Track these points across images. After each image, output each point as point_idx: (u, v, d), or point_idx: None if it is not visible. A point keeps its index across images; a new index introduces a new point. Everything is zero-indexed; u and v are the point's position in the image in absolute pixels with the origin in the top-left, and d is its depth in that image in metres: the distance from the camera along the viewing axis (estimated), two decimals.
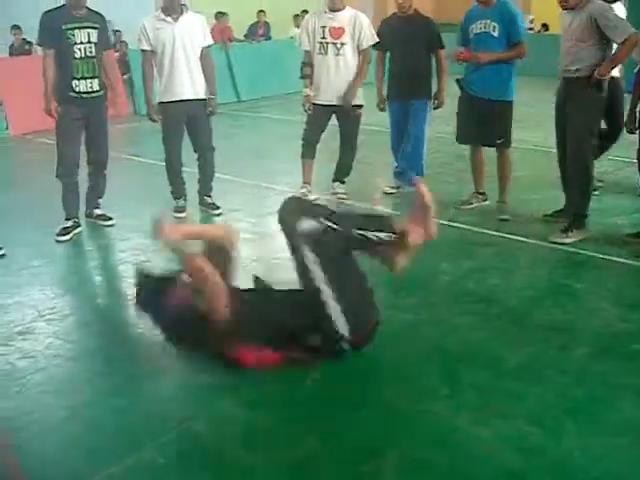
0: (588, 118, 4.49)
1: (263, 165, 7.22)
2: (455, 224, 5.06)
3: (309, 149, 5.67)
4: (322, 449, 2.55)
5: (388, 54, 5.74)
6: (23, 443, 2.65)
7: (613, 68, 4.54)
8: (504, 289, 3.97)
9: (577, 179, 4.60)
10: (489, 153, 5.29)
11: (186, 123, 5.28)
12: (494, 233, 4.86)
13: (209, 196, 5.59)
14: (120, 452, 2.56)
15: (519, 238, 4.72)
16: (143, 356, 3.36)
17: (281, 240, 4.75)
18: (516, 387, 2.92)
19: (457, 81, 5.20)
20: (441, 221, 5.11)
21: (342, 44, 5.37)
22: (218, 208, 5.52)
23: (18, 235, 5.11)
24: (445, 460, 2.46)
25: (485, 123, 5.06)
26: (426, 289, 3.98)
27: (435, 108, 5.67)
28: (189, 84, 5.15)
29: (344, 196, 5.76)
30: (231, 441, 2.61)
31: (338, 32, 5.35)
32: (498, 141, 5.10)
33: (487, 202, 5.41)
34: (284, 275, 4.15)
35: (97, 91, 4.96)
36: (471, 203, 5.44)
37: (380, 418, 2.74)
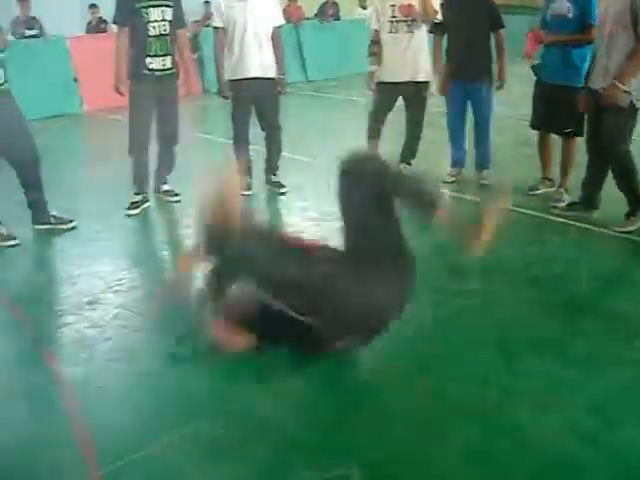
0: (621, 120, 4.29)
1: (329, 145, 7.20)
2: (521, 210, 4.96)
3: (375, 130, 5.63)
4: (387, 432, 2.56)
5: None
6: (90, 408, 2.75)
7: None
8: (570, 277, 3.89)
9: (621, 174, 4.43)
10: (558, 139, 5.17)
11: (254, 101, 5.32)
12: (560, 220, 4.75)
13: (275, 174, 5.63)
14: (181, 420, 2.63)
15: (586, 226, 4.59)
16: (208, 330, 3.42)
17: None
18: (578, 377, 2.86)
19: (532, 67, 5.11)
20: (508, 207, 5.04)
21: (413, 21, 5.31)
22: (283, 187, 5.56)
23: (89, 208, 5.26)
24: (505, 449, 2.44)
25: (554, 110, 4.94)
26: (490, 275, 3.92)
27: (498, 88, 5.49)
28: (259, 63, 5.17)
29: None
30: (293, 420, 2.65)
31: (408, 9, 5.30)
32: (565, 130, 4.98)
33: (554, 188, 5.27)
34: None
35: (170, 69, 5.03)
36: (538, 189, 5.33)
37: (443, 405, 2.72)
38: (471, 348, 3.13)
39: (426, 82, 5.49)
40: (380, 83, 5.50)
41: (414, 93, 5.48)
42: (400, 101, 5.60)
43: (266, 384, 2.88)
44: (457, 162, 5.77)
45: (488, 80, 5.42)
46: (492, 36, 5.38)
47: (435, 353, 3.10)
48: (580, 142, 4.97)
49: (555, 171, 5.26)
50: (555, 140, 5.21)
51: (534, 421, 2.57)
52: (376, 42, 5.49)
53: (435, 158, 6.28)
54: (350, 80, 11.58)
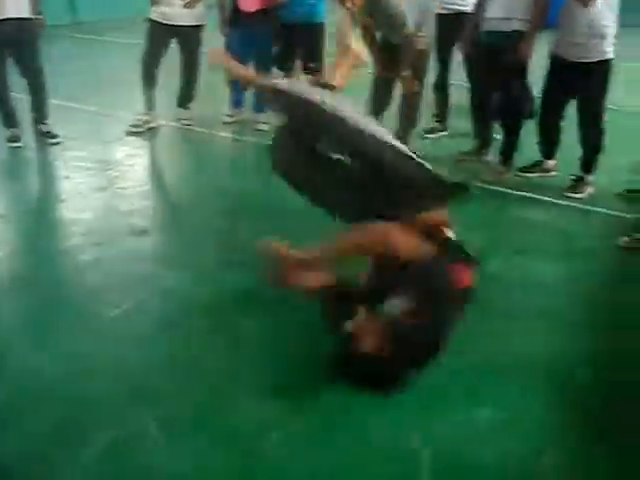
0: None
1: (105, 92, 6.87)
2: None
3: (149, 75, 5.41)
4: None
5: None
6: None
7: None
8: None
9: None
10: None
11: (10, 45, 4.86)
12: None
13: (45, 123, 5.25)
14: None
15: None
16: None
17: (122, 169, 4.62)
18: None
19: None
20: None
21: None
22: (56, 137, 5.21)
23: None
24: None
25: None
26: None
27: None
28: (13, 2, 4.73)
29: (189, 122, 5.66)
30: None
31: None
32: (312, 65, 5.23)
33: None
34: (129, 204, 4.08)
35: None
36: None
37: None
38: None
39: (199, 25, 5.37)
40: (153, 22, 5.29)
41: (187, 36, 5.35)
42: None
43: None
44: (236, 103, 5.78)
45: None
46: None
47: None
48: None
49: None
50: None
51: None
52: None
53: (215, 103, 6.22)
54: (126, 22, 11.02)
